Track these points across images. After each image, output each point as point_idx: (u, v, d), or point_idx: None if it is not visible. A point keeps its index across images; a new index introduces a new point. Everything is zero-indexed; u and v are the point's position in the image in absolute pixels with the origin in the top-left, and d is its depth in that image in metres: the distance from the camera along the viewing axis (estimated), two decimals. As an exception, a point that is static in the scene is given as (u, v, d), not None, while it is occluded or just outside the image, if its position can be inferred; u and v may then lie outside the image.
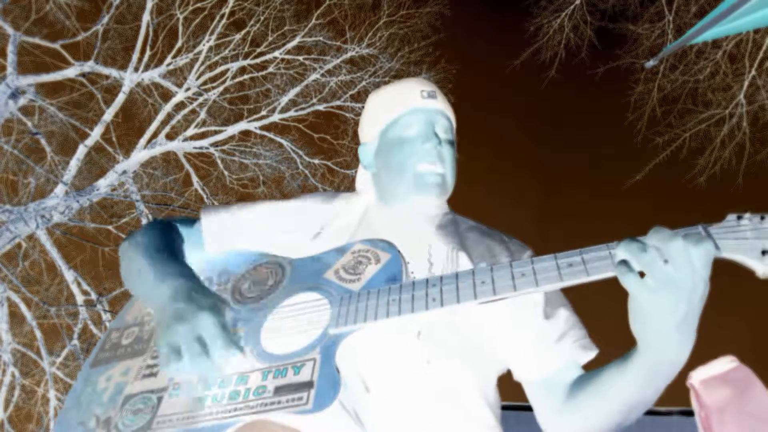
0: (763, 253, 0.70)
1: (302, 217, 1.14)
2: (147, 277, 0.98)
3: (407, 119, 1.14)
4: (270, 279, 1.02)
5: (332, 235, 1.09)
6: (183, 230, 1.15)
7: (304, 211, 1.15)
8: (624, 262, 0.72)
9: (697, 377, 1.59)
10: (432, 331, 0.94)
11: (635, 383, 0.82)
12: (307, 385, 0.78)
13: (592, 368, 0.98)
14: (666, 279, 0.70)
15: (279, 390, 0.79)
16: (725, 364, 1.58)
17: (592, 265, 0.76)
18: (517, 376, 1.04)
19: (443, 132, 1.15)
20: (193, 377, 0.85)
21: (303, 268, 1.00)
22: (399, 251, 0.94)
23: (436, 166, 1.11)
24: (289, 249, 1.06)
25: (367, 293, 0.88)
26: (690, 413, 1.59)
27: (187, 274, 0.97)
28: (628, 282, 0.72)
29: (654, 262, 0.70)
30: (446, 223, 1.13)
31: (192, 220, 1.18)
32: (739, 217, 0.75)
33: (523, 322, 1.01)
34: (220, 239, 1.14)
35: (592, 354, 0.99)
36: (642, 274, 0.72)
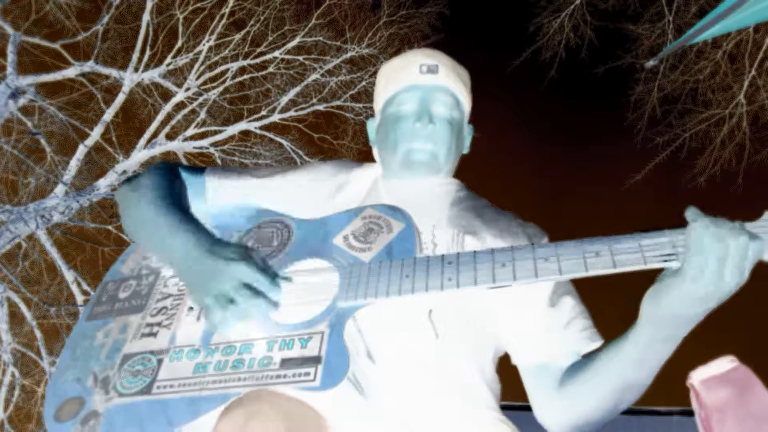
0: None
1: (312, 186, 1.11)
2: (156, 231, 0.94)
3: (403, 96, 1.12)
4: (275, 240, 0.97)
5: (342, 203, 1.06)
6: (187, 178, 1.11)
7: (314, 180, 1.12)
8: (699, 245, 0.70)
9: (697, 377, 1.58)
10: (443, 311, 0.93)
11: (630, 360, 0.82)
12: (315, 360, 0.75)
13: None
14: (719, 277, 0.70)
15: (285, 363, 0.77)
16: (725, 364, 1.58)
17: (620, 257, 0.73)
18: (516, 360, 1.02)
19: (442, 108, 1.12)
20: (246, 328, 0.83)
21: (310, 230, 0.96)
22: (412, 221, 0.90)
23: (427, 146, 1.09)
24: (302, 209, 1.04)
25: (379, 265, 0.84)
26: (690, 413, 1.59)
27: (198, 227, 0.94)
28: (693, 262, 0.70)
29: (726, 262, 0.69)
30: (455, 200, 1.10)
31: (197, 169, 1.13)
32: None
33: (528, 307, 1.00)
34: (224, 200, 1.10)
35: (596, 344, 0.96)
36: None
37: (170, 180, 1.06)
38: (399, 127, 1.11)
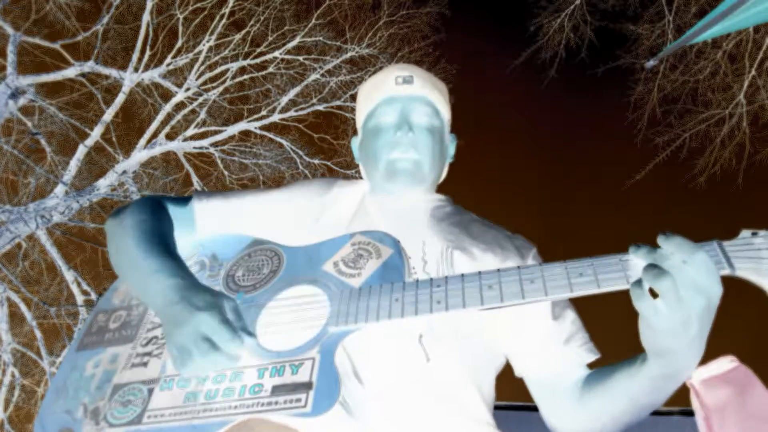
0: None
1: (299, 205, 1.11)
2: (137, 270, 0.94)
3: (382, 109, 1.14)
4: (265, 267, 0.98)
5: (329, 223, 1.07)
6: (173, 210, 1.10)
7: (301, 199, 1.12)
8: (638, 284, 0.70)
9: (697, 377, 1.59)
10: (434, 334, 0.93)
11: (644, 388, 0.82)
12: (306, 386, 0.76)
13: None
14: (678, 304, 0.69)
15: (276, 390, 0.77)
16: (725, 364, 1.58)
17: (604, 277, 0.74)
18: (521, 372, 1.03)
19: (421, 117, 1.13)
20: (209, 374, 0.83)
21: (300, 257, 0.97)
22: (401, 246, 0.91)
23: (409, 154, 1.10)
24: (285, 236, 1.04)
25: (369, 290, 0.85)
26: (690, 413, 1.59)
27: (177, 270, 0.92)
28: (642, 306, 0.70)
29: (669, 290, 0.68)
30: (443, 216, 1.11)
31: (184, 199, 1.13)
32: (754, 234, 0.72)
33: (532, 321, 1.00)
34: (212, 225, 1.10)
35: (595, 357, 0.99)
36: (653, 293, 0.71)
37: (155, 216, 1.05)
38: (379, 138, 1.12)
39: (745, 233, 0.73)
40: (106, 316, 1.02)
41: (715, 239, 0.73)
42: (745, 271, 0.70)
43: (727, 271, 0.71)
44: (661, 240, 0.72)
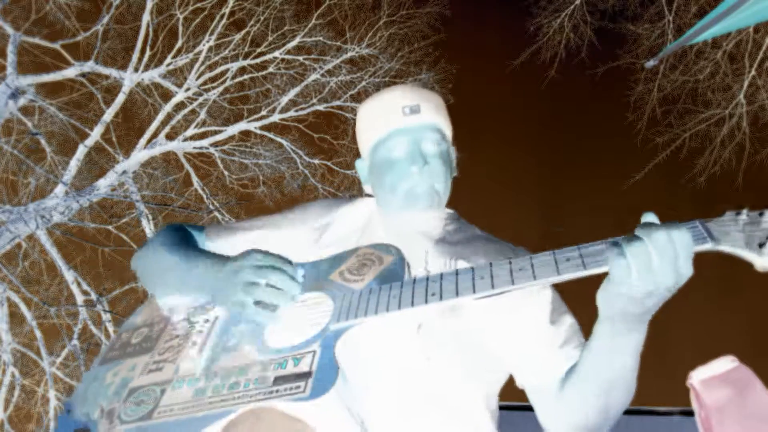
0: (761, 245, 0.70)
1: (307, 226, 1.16)
2: (178, 267, 1.05)
3: (392, 141, 1.12)
4: None
5: (337, 241, 1.11)
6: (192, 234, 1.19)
7: (308, 220, 1.17)
8: (618, 247, 0.73)
9: (697, 377, 1.59)
10: (433, 330, 0.95)
11: (603, 353, 0.85)
12: (306, 375, 0.80)
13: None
14: (652, 279, 0.72)
15: (278, 380, 0.82)
16: (725, 364, 1.58)
17: (589, 259, 0.78)
18: (521, 381, 1.03)
19: (432, 146, 1.13)
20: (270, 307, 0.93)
21: (308, 270, 1.02)
22: (402, 254, 0.96)
23: (426, 184, 1.10)
24: (294, 255, 1.06)
25: (369, 290, 0.90)
26: (690, 413, 1.59)
27: (213, 254, 1.06)
28: (617, 268, 0.73)
29: (642, 257, 0.71)
30: (448, 233, 1.13)
31: (199, 228, 1.21)
32: (738, 213, 0.76)
33: (530, 327, 1.01)
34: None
35: None
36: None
37: (180, 231, 1.17)
38: (394, 170, 1.11)
39: (729, 213, 0.77)
40: (129, 333, 1.09)
41: (697, 219, 0.76)
42: (727, 244, 0.73)
43: (709, 245, 0.73)
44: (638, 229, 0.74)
